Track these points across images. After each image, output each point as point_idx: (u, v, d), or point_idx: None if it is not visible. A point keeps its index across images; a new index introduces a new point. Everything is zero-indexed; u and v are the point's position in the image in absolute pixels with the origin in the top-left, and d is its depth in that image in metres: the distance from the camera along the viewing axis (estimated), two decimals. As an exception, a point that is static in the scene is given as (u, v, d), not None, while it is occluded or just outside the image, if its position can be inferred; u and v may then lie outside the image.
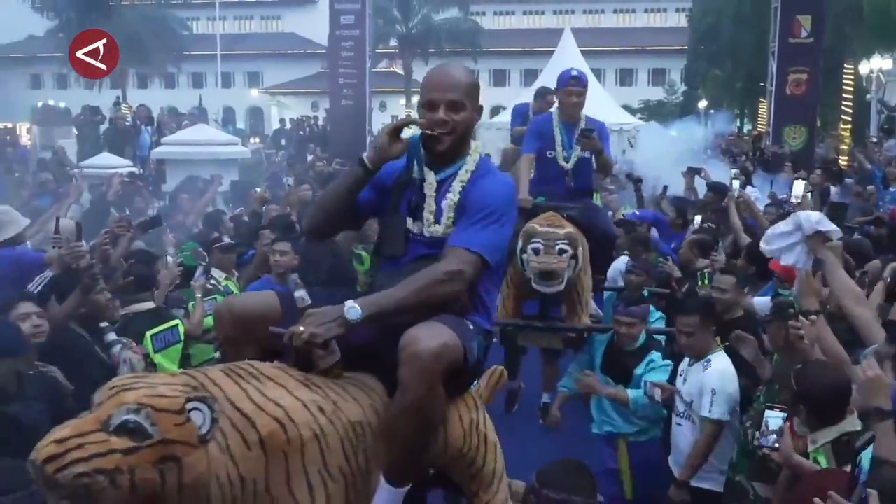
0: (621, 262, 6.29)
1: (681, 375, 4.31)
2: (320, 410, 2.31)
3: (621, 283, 6.08)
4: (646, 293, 5.41)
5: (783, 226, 4.12)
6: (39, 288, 4.08)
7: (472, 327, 2.52)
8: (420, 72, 44.94)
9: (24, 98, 41.38)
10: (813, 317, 3.41)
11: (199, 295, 5.16)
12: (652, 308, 5.33)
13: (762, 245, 4.23)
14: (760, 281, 5.16)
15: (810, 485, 2.72)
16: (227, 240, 6.07)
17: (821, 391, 3.05)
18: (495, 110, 28.99)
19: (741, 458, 3.79)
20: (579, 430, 5.28)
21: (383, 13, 37.96)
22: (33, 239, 5.55)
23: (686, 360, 4.32)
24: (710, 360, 4.09)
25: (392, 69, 45.45)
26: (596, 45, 43.85)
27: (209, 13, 42.79)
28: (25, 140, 20.31)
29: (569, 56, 24.19)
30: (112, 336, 4.11)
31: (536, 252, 4.69)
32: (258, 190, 9.48)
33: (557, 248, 4.68)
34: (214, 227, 7.19)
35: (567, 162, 5.39)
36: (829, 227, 3.92)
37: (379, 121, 44.60)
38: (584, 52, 24.77)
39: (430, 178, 2.62)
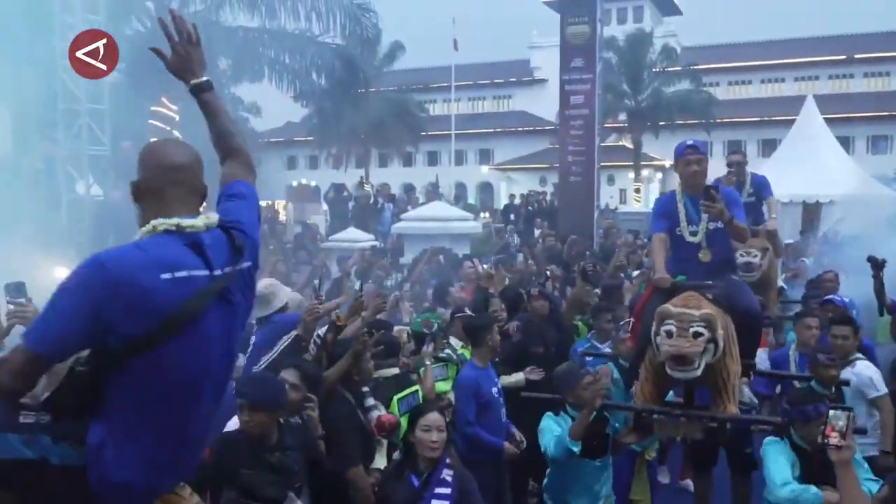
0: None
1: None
2: None
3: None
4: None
5: None
6: (286, 344, 4.53)
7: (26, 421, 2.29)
8: (649, 145, 44.62)
9: (280, 178, 45.98)
10: None
11: (429, 362, 5.35)
12: None
13: None
14: None
15: None
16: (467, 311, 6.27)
17: None
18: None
19: None
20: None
21: (612, 88, 38.16)
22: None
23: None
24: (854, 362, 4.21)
25: (621, 143, 45.33)
26: (844, 111, 41.20)
27: (445, 95, 45.37)
28: (282, 216, 22.43)
29: (812, 123, 22.97)
30: (372, 400, 4.39)
31: (669, 335, 4.33)
32: (468, 263, 9.64)
33: (692, 330, 4.29)
34: (440, 300, 7.48)
35: (695, 237, 5.07)
36: None
37: (607, 194, 44.72)
38: (829, 120, 23.36)
39: None
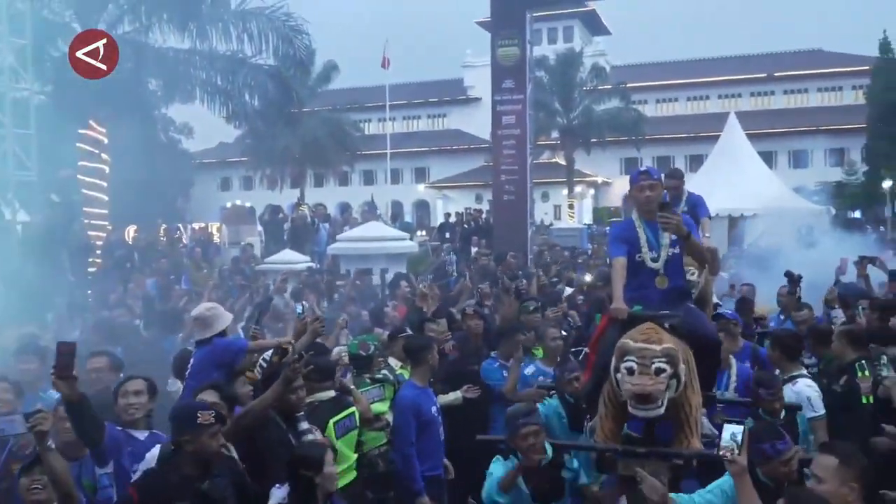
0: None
1: None
2: None
3: None
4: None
5: None
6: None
7: None
8: (582, 162, 45.49)
9: (214, 199, 45.35)
10: None
11: (353, 387, 5.35)
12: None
13: None
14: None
15: None
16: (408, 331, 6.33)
17: None
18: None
19: None
20: None
21: (544, 107, 38.82)
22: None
23: None
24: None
25: (554, 160, 46.08)
26: (766, 127, 42.70)
27: (380, 115, 45.47)
28: (216, 238, 22.13)
29: (735, 139, 23.80)
30: (305, 425, 4.40)
31: (630, 372, 4.17)
32: (404, 283, 9.71)
33: (654, 367, 4.14)
34: (377, 321, 7.53)
35: (656, 262, 4.86)
36: None
37: (541, 211, 45.31)
38: (752, 135, 24.22)
39: None
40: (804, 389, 5.44)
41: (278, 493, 3.72)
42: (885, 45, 35.49)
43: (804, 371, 5.80)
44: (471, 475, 6.68)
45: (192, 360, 5.04)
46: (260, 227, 21.67)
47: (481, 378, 6.47)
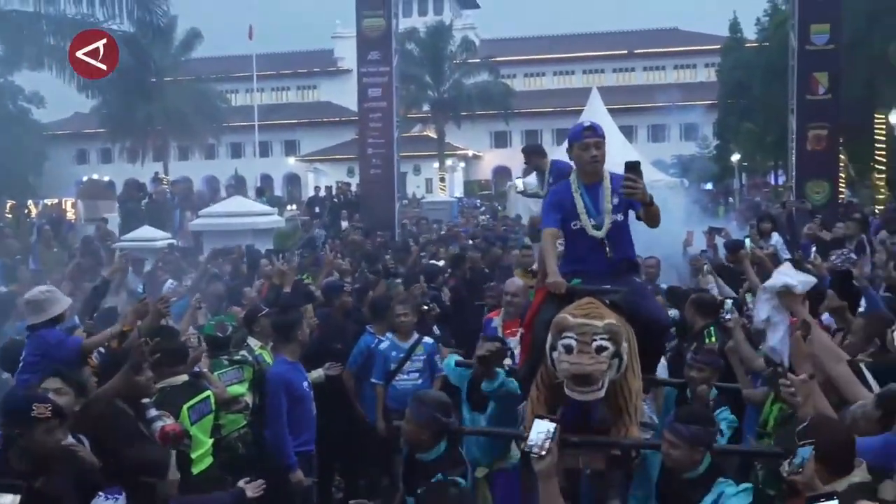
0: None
1: None
2: None
3: None
4: (714, 393, 4.62)
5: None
6: None
7: None
8: (452, 135, 45.85)
9: (70, 173, 42.88)
10: (804, 375, 3.46)
11: (205, 369, 5.23)
12: (723, 414, 4.45)
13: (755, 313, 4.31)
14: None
15: None
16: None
17: (830, 444, 3.07)
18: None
19: None
20: None
21: (415, 80, 38.83)
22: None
23: None
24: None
25: (426, 133, 46.25)
26: (627, 102, 44.39)
27: (247, 85, 44.17)
28: (71, 215, 20.97)
29: (597, 114, 24.60)
30: (153, 412, 4.23)
31: (569, 350, 3.70)
32: (265, 261, 9.50)
33: (595, 344, 3.68)
34: (237, 301, 7.37)
35: (598, 230, 4.37)
36: (794, 279, 4.04)
37: (413, 184, 45.45)
38: (614, 110, 25.08)
39: None
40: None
41: None
42: (734, 26, 37.48)
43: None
44: (337, 453, 6.74)
45: (23, 352, 4.75)
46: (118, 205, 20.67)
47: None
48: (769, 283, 4.17)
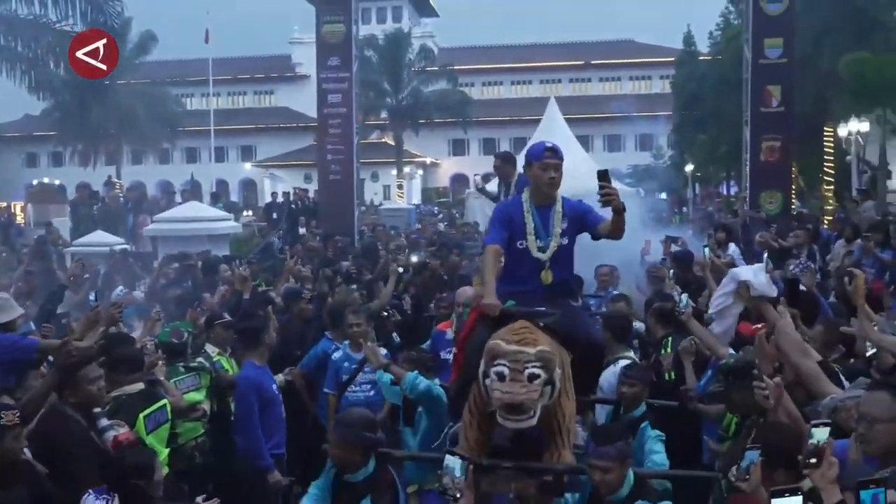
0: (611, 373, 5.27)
1: None
2: None
3: None
4: (643, 409, 4.72)
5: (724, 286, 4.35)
6: None
7: None
8: (410, 142, 45.86)
9: (19, 177, 41.86)
10: (777, 378, 3.52)
11: (162, 377, 5.14)
12: (648, 432, 4.52)
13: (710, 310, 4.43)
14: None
15: None
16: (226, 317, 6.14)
17: (787, 447, 3.11)
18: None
19: None
20: None
21: (373, 86, 38.79)
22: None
23: None
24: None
25: (383, 140, 46.17)
26: (583, 112, 44.86)
27: (203, 90, 43.63)
28: (20, 219, 20.46)
29: (555, 123, 24.80)
30: (105, 421, 4.12)
31: (501, 377, 3.65)
32: (224, 267, 9.37)
33: (527, 372, 3.64)
34: (189, 307, 7.26)
35: (543, 253, 4.36)
36: (755, 280, 4.16)
37: (371, 191, 45.29)
38: (571, 120, 25.32)
39: None
40: (609, 371, 5.33)
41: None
42: (688, 39, 38.12)
43: (631, 353, 5.81)
44: (299, 457, 6.67)
45: None
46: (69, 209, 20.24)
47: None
48: (739, 270, 4.27)
